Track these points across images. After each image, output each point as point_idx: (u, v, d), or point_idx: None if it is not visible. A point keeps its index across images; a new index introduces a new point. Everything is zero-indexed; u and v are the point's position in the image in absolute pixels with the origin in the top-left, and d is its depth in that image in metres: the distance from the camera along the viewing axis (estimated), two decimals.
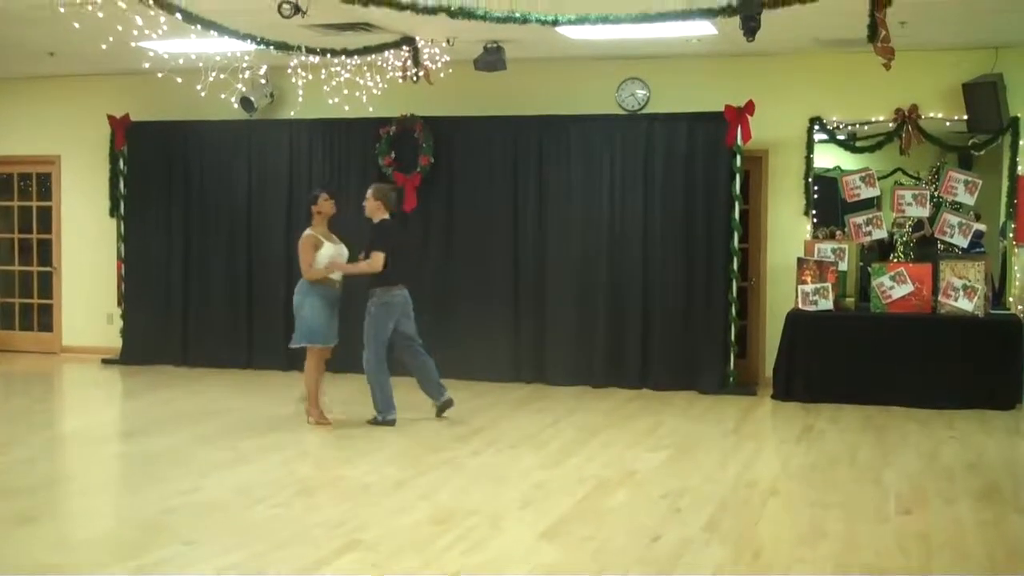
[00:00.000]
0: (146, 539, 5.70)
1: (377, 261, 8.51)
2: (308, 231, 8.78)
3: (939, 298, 9.84)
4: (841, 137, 10.64)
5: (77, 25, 8.39)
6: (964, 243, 10.13)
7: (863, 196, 10.49)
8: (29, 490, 6.74)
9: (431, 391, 9.01)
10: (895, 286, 9.95)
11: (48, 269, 13.19)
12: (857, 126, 10.56)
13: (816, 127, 10.60)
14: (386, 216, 8.73)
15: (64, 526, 6.19)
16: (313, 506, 6.45)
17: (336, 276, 8.74)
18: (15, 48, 10.80)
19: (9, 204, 13.47)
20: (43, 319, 13.34)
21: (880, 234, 10.45)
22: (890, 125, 10.40)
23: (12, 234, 13.47)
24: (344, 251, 8.84)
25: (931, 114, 10.31)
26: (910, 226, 10.39)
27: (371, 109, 10.33)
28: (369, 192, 8.80)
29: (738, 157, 10.35)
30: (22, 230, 13.43)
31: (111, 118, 12.12)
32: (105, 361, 12.21)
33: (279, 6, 7.79)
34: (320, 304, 8.65)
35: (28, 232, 13.39)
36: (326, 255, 8.68)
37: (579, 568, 5.31)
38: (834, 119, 10.58)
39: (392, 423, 8.69)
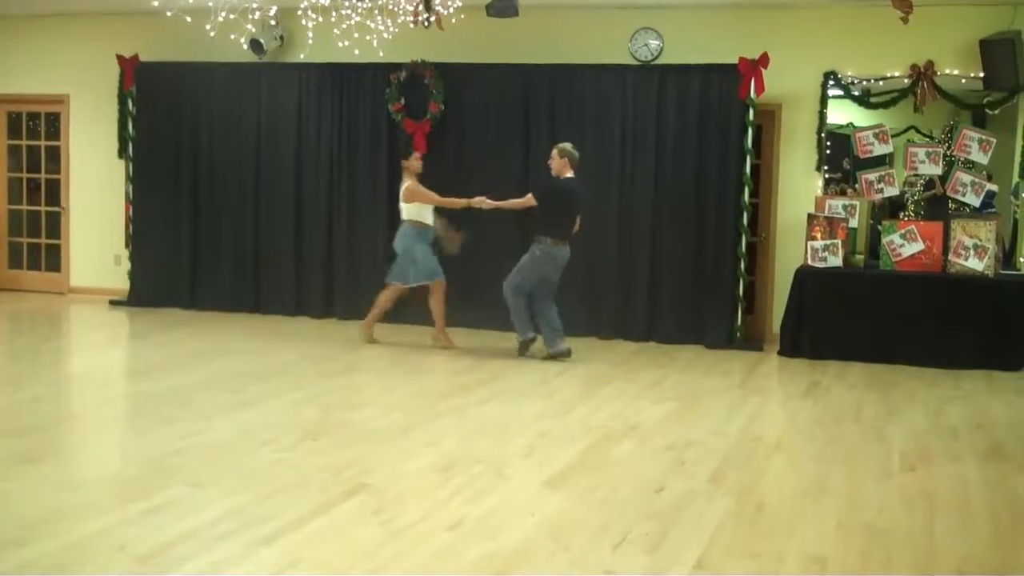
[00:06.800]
0: (152, 480, 5.72)
1: (529, 199, 9.45)
2: (408, 182, 9.84)
3: (949, 257, 9.80)
4: (856, 92, 10.52)
5: None
6: (976, 202, 10.08)
7: (876, 152, 10.41)
8: (35, 429, 6.77)
9: (548, 337, 9.53)
10: (905, 244, 9.90)
11: (56, 209, 13.17)
12: (872, 81, 10.45)
13: (830, 82, 10.49)
14: (570, 174, 9.43)
15: (69, 466, 6.22)
16: (318, 450, 6.46)
17: (430, 219, 9.86)
18: None
19: (18, 143, 13.42)
20: (51, 259, 13.34)
21: (892, 191, 10.38)
22: (905, 81, 10.30)
23: (20, 173, 13.44)
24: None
25: (947, 71, 10.21)
26: (922, 184, 10.32)
27: (381, 54, 10.21)
28: (554, 151, 9.53)
29: (751, 110, 10.26)
30: (30, 169, 13.40)
31: (120, 58, 12.04)
32: (113, 302, 12.23)
33: None
34: (426, 246, 9.83)
35: (36, 172, 13.36)
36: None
37: (583, 517, 5.32)
38: (849, 74, 10.47)
39: (532, 341, 9.57)
